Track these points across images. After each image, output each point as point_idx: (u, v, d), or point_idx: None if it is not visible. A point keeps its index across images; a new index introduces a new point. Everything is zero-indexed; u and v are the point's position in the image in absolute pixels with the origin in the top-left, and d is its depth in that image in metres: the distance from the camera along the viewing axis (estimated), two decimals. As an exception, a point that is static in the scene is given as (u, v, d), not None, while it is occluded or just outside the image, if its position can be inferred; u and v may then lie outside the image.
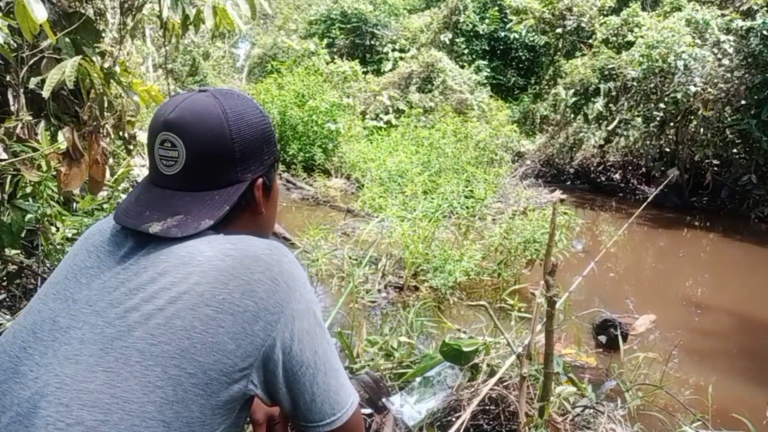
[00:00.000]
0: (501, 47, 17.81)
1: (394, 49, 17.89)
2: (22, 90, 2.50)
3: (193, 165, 0.87)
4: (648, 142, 10.92)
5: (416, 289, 4.74)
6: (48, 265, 2.93)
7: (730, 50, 9.19)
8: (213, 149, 0.87)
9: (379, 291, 4.55)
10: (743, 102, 9.11)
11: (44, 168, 2.47)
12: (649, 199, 3.60)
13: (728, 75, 9.17)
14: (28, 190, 2.71)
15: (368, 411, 2.24)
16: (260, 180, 0.93)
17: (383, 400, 2.28)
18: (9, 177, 2.40)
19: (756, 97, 8.91)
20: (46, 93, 2.18)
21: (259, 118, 0.92)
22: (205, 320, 0.75)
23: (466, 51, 17.28)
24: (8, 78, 2.52)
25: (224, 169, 0.88)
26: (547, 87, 14.16)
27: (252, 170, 0.91)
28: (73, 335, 0.77)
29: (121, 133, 3.01)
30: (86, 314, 0.78)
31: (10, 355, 0.79)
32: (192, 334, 0.74)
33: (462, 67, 15.60)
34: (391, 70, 16.31)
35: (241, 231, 0.90)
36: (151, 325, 0.75)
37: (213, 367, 0.75)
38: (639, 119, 10.73)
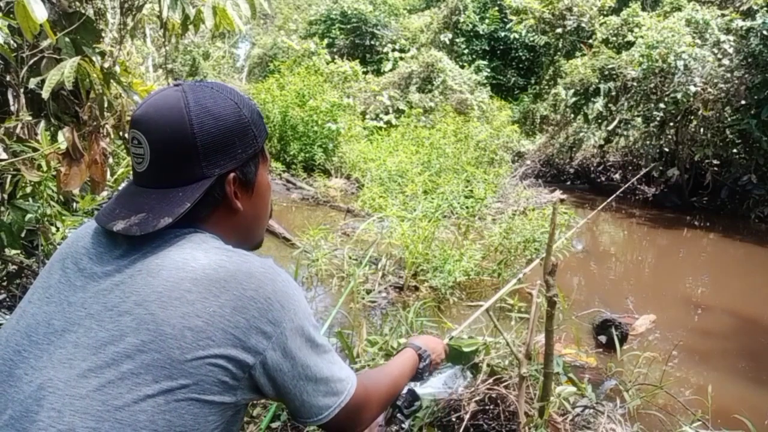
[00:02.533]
0: (501, 47, 17.83)
1: (394, 49, 17.89)
2: (22, 90, 2.49)
3: (156, 161, 0.84)
4: (648, 142, 10.90)
5: (416, 289, 4.73)
6: (48, 265, 2.92)
7: (730, 50, 9.19)
8: (173, 144, 0.83)
9: (379, 291, 4.55)
10: (743, 102, 9.10)
11: (44, 168, 2.47)
12: (624, 187, 3.63)
13: (728, 75, 9.16)
14: (28, 190, 2.70)
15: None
16: (232, 175, 0.88)
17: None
18: (9, 177, 2.40)
19: (756, 97, 8.90)
20: (45, 93, 2.17)
21: (230, 110, 0.87)
22: (195, 331, 0.74)
23: (466, 51, 17.29)
24: (8, 78, 2.52)
25: (187, 165, 0.84)
26: (547, 87, 14.16)
27: (221, 165, 0.86)
28: (68, 338, 0.76)
29: (121, 133, 3.00)
30: (81, 317, 0.77)
31: (4, 358, 0.78)
32: (182, 344, 0.73)
33: (462, 67, 15.61)
34: (391, 70, 16.32)
35: (222, 230, 0.88)
36: (142, 331, 0.74)
37: (205, 378, 0.74)
38: (639, 119, 10.72)
